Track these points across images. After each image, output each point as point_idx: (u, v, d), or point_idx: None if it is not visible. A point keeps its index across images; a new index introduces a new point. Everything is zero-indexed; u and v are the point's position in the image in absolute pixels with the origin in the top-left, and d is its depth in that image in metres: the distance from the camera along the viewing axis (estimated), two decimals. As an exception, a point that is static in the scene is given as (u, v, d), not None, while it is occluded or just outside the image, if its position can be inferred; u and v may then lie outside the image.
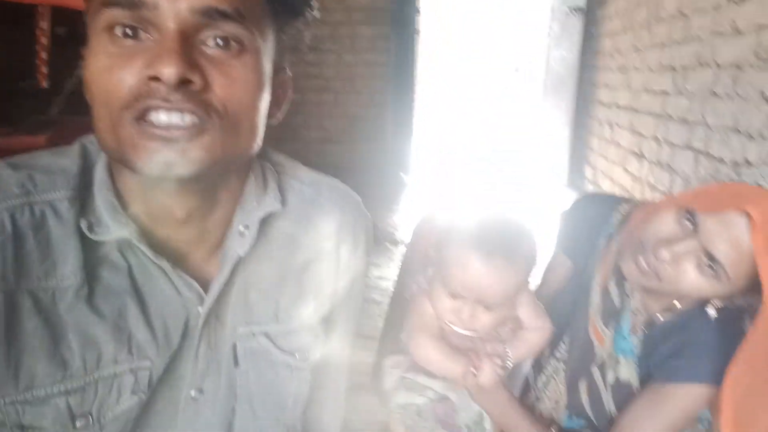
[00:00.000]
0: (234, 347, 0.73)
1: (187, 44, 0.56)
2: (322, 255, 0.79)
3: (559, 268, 1.25)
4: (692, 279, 0.90)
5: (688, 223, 0.91)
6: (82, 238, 0.62)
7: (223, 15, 0.57)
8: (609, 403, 1.09)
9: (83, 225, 0.62)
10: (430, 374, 1.09)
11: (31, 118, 1.94)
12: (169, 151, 0.57)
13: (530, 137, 7.22)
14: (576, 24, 4.94)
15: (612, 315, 1.08)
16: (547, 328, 1.08)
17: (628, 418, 1.03)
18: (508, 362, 1.03)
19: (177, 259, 0.67)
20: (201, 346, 0.70)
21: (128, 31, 0.56)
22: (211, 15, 0.56)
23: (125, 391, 0.65)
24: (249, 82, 0.61)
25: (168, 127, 0.56)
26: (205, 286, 0.69)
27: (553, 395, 1.14)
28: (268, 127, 0.70)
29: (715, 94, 2.45)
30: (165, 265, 0.65)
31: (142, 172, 0.58)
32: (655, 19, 3.33)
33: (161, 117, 0.56)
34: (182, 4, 0.55)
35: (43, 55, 2.35)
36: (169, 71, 0.54)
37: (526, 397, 1.20)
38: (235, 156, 0.64)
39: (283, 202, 0.75)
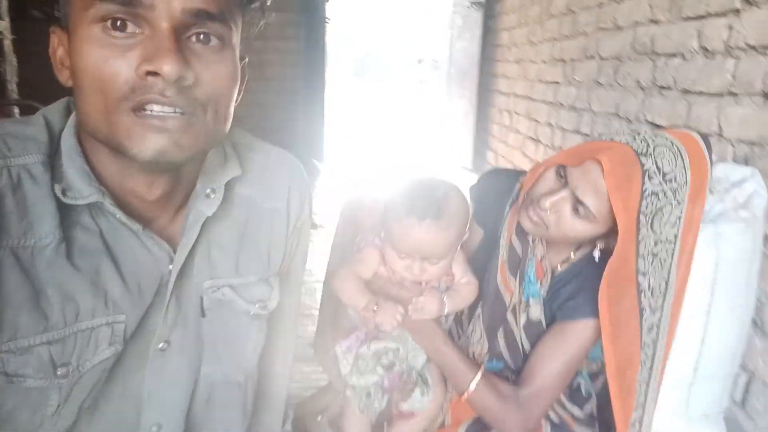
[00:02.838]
0: (201, 300, 0.81)
1: (180, 42, 0.61)
2: (274, 214, 0.88)
3: (473, 236, 1.42)
4: (570, 222, 1.09)
5: (561, 177, 1.10)
6: (57, 200, 0.66)
7: (210, 16, 0.63)
8: (523, 342, 1.26)
9: (57, 189, 0.66)
10: (379, 337, 1.22)
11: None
12: (162, 140, 0.62)
13: (437, 124, 7.51)
14: (477, 18, 5.24)
15: (517, 265, 1.26)
16: (475, 283, 1.26)
17: (537, 354, 1.21)
18: (445, 309, 1.19)
19: (144, 222, 0.72)
20: (171, 301, 0.76)
21: (119, 23, 0.60)
22: (200, 16, 0.62)
23: (102, 343, 0.70)
24: (228, 76, 0.68)
25: (162, 118, 0.62)
26: (171, 245, 0.75)
27: (478, 342, 1.31)
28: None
29: (599, 83, 2.76)
30: (136, 227, 0.70)
31: (135, 158, 0.63)
32: (546, 15, 3.64)
33: (156, 108, 0.61)
34: (176, 6, 0.60)
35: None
36: (169, 69, 0.59)
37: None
38: (214, 141, 0.71)
39: (241, 168, 0.83)
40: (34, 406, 0.68)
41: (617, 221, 1.00)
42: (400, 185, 1.16)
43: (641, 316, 1.06)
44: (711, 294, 1.40)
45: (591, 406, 1.32)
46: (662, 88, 2.13)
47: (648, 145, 1.02)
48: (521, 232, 1.25)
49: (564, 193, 1.07)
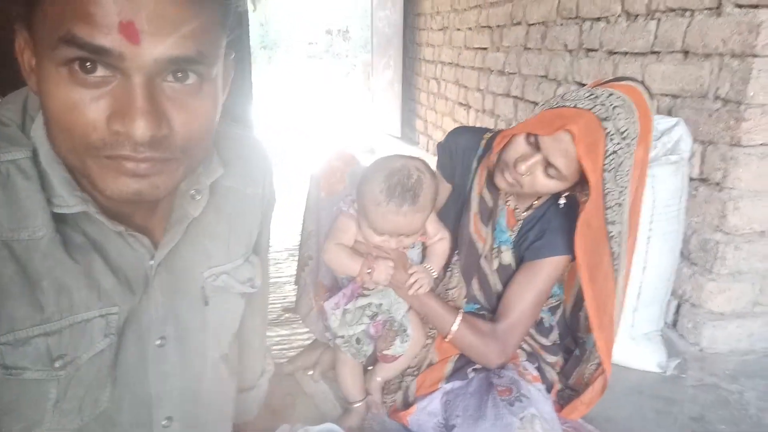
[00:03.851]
0: (203, 289, 0.82)
1: (153, 93, 0.56)
2: (254, 199, 0.91)
3: (441, 191, 1.53)
4: (542, 182, 1.23)
5: (531, 143, 1.22)
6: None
7: (187, 61, 0.57)
8: (496, 284, 1.40)
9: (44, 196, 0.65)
10: (364, 294, 1.32)
11: None
12: (137, 184, 0.60)
13: (364, 94, 7.53)
14: (397, -14, 5.29)
15: (488, 216, 1.39)
16: (447, 237, 1.37)
17: (510, 292, 1.35)
18: (434, 273, 1.31)
19: (124, 221, 0.71)
20: (156, 295, 0.76)
21: (88, 65, 0.54)
22: (175, 62, 0.57)
23: (98, 335, 0.70)
24: (208, 113, 0.63)
25: (136, 165, 0.58)
26: (150, 238, 0.75)
27: (455, 288, 1.42)
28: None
29: (527, 48, 2.93)
30: (119, 229, 0.70)
31: (109, 197, 0.61)
32: (470, -17, 3.77)
33: (129, 160, 0.58)
34: (147, 57, 0.54)
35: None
36: (142, 132, 0.55)
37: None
38: (195, 168, 0.70)
39: (223, 163, 0.81)
40: (34, 400, 0.68)
41: (589, 181, 1.14)
42: (372, 168, 1.24)
43: (613, 258, 1.21)
44: (649, 229, 1.61)
45: (554, 335, 1.49)
46: (589, 50, 2.31)
47: (607, 109, 1.14)
48: (491, 185, 1.37)
49: (537, 158, 1.19)
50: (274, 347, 1.72)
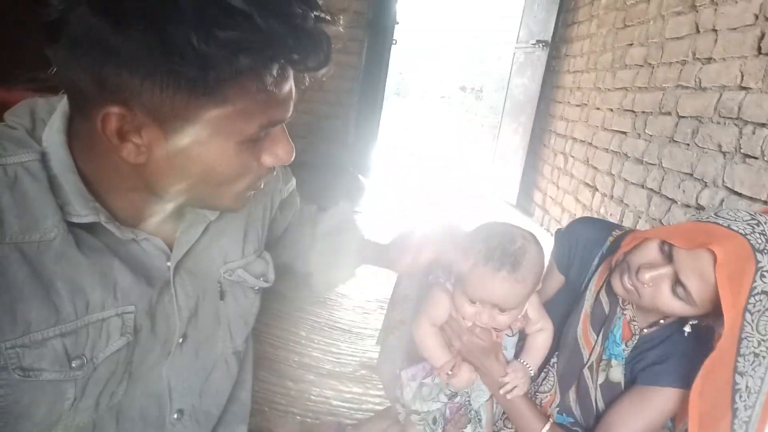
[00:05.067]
0: (220, 283, 0.86)
1: None
2: (267, 196, 0.97)
3: (551, 281, 1.39)
4: (666, 299, 1.06)
5: (664, 252, 1.07)
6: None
7: None
8: (597, 401, 1.23)
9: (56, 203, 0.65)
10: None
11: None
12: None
13: (486, 157, 7.49)
14: (540, 56, 5.23)
15: (601, 322, 1.23)
16: (549, 328, 1.24)
17: (615, 415, 1.18)
18: (531, 371, 1.19)
19: (136, 224, 0.74)
20: (179, 295, 0.79)
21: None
22: None
23: (114, 334, 0.71)
24: None
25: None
26: (165, 239, 0.78)
27: (548, 391, 1.27)
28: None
29: (673, 140, 2.71)
30: (131, 236, 0.73)
31: (234, 210, 0.78)
32: (620, 65, 3.61)
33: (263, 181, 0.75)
34: (291, 107, 0.70)
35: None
36: (291, 159, 0.73)
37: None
38: None
39: None
40: (51, 401, 0.68)
41: (724, 317, 0.97)
42: (475, 231, 1.16)
43: (734, 415, 1.02)
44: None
45: (660, 478, 1.27)
46: (747, 156, 2.08)
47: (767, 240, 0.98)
48: (611, 290, 1.22)
49: (666, 270, 1.05)
50: (344, 404, 1.65)
